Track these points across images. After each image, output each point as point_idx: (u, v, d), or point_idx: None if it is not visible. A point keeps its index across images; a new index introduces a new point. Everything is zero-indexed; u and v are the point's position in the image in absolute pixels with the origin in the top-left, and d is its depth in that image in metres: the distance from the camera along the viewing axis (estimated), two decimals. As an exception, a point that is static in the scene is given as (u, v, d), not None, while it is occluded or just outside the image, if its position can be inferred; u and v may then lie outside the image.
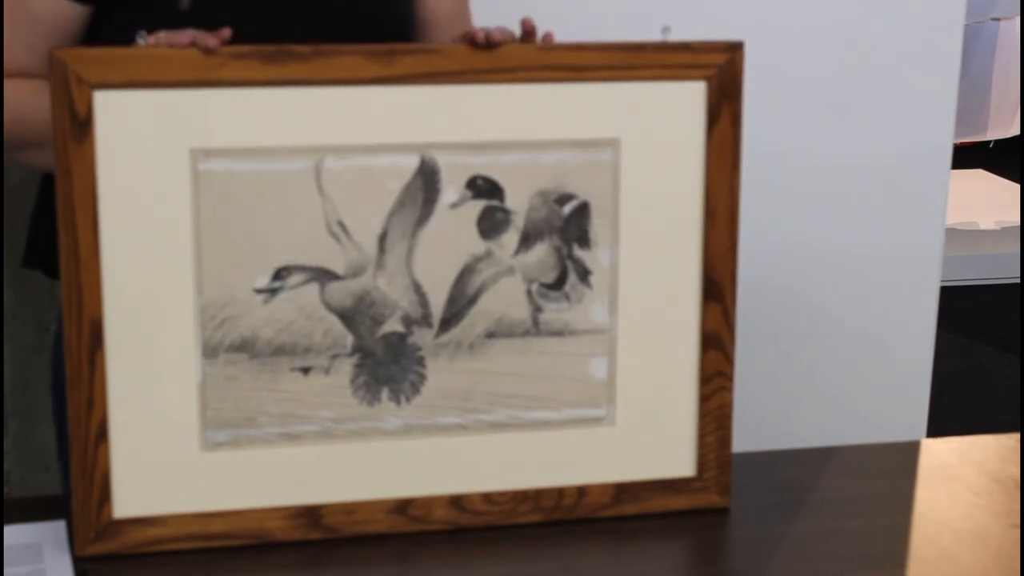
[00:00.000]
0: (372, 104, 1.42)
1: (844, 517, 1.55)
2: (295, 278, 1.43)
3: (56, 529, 1.45)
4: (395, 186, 1.44)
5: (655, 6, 2.25)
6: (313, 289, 1.44)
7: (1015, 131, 3.29)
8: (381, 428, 1.47)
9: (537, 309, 1.49)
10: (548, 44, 1.47)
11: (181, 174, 1.39)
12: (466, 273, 1.47)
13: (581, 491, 1.51)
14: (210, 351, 1.42)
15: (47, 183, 1.70)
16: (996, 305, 3.03)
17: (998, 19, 3.21)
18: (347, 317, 1.45)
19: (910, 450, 1.79)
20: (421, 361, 1.47)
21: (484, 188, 1.46)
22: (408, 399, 1.47)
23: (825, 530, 1.52)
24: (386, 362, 1.46)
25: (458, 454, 1.49)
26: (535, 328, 1.49)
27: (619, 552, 1.47)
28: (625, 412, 1.52)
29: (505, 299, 1.48)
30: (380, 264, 1.45)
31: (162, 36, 1.40)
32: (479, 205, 1.46)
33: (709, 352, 1.52)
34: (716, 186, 1.50)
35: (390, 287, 1.45)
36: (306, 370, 1.45)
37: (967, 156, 3.51)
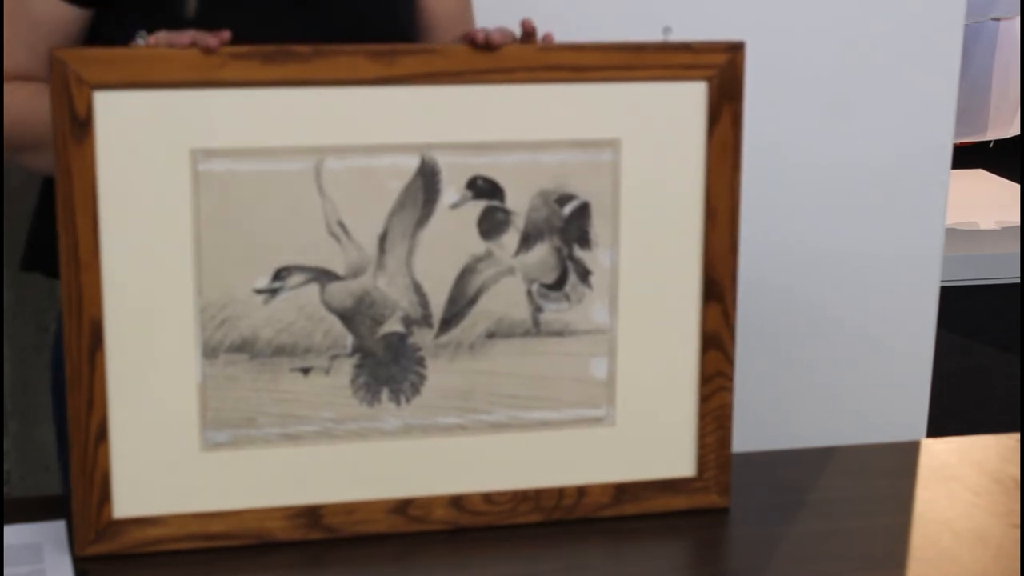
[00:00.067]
0: (372, 104, 1.42)
1: (844, 517, 1.55)
2: (295, 278, 1.43)
3: (56, 529, 1.45)
4: (395, 186, 1.44)
5: (655, 6, 2.25)
6: (313, 289, 1.44)
7: (1015, 131, 3.29)
8: (381, 428, 1.47)
9: (537, 309, 1.49)
10: (548, 44, 1.47)
11: (181, 174, 1.39)
12: (466, 273, 1.47)
13: (581, 491, 1.51)
14: (210, 351, 1.42)
15: (48, 186, 1.70)
16: (996, 305, 3.03)
17: (998, 19, 3.21)
18: (347, 317, 1.45)
19: (910, 450, 1.79)
20: (421, 361, 1.47)
21: (484, 188, 1.46)
22: (408, 399, 1.47)
23: (825, 530, 1.52)
24: (386, 362, 1.46)
25: (458, 454, 1.49)
26: (535, 328, 1.49)
27: (619, 552, 1.47)
28: (625, 412, 1.52)
29: (505, 299, 1.48)
30: (380, 264, 1.45)
31: (162, 36, 1.40)
32: (479, 205, 1.46)
33: (709, 352, 1.52)
34: (717, 186, 1.50)
35: (390, 287, 1.45)
36: (306, 370, 1.45)
37: (967, 156, 3.51)
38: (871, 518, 1.55)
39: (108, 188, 1.38)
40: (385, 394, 1.47)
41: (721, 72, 1.48)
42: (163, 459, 1.43)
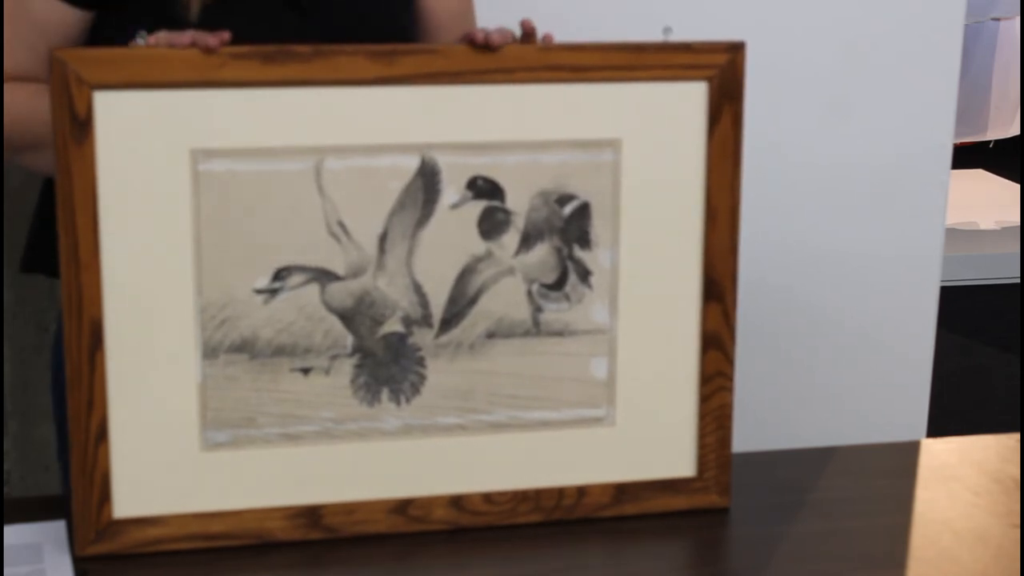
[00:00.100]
0: (373, 104, 1.42)
1: (844, 517, 1.55)
2: (295, 278, 1.43)
3: (56, 529, 1.45)
4: (395, 186, 1.44)
5: (656, 6, 2.25)
6: (313, 289, 1.44)
7: (1015, 131, 3.29)
8: (381, 428, 1.47)
9: (537, 309, 1.49)
10: (548, 45, 1.47)
11: (181, 174, 1.39)
12: (466, 273, 1.47)
13: (581, 491, 1.51)
14: (210, 351, 1.42)
15: (48, 187, 1.70)
16: (996, 305, 3.03)
17: (998, 19, 3.20)
18: (347, 317, 1.45)
19: (910, 450, 1.79)
20: (421, 361, 1.47)
21: (485, 188, 1.46)
22: (408, 399, 1.47)
23: (825, 530, 1.52)
24: (386, 362, 1.46)
25: (458, 454, 1.49)
26: (535, 328, 1.49)
27: (619, 552, 1.47)
28: (625, 412, 1.52)
29: (505, 299, 1.48)
30: (380, 264, 1.45)
31: (162, 36, 1.40)
32: (479, 205, 1.46)
33: (709, 352, 1.52)
34: (717, 186, 1.50)
35: (390, 287, 1.45)
36: (306, 370, 1.45)
37: (967, 156, 3.51)
38: (871, 518, 1.55)
39: (108, 188, 1.38)
40: (385, 394, 1.47)
41: (721, 72, 1.48)
42: (163, 459, 1.43)
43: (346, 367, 1.45)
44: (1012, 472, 1.67)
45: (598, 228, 1.49)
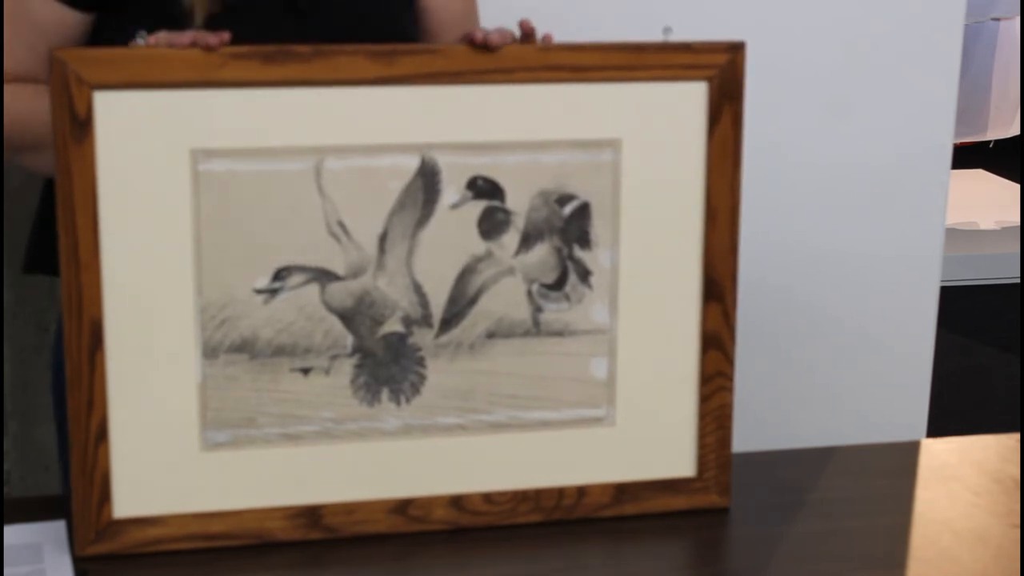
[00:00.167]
0: (373, 104, 1.42)
1: (844, 517, 1.55)
2: (295, 278, 1.43)
3: (56, 529, 1.45)
4: (395, 186, 1.44)
5: (655, 6, 2.25)
6: (313, 289, 1.44)
7: (1015, 131, 3.29)
8: (381, 428, 1.47)
9: (537, 309, 1.49)
10: (548, 45, 1.47)
11: (181, 174, 1.39)
12: (466, 273, 1.47)
13: (581, 491, 1.51)
14: (210, 351, 1.42)
15: (49, 188, 1.70)
16: (996, 305, 3.03)
17: (998, 19, 3.20)
18: (347, 317, 1.45)
19: (910, 450, 1.79)
20: (421, 361, 1.47)
21: (484, 188, 1.46)
22: (408, 399, 1.47)
23: (825, 530, 1.52)
24: (386, 362, 1.46)
25: (458, 454, 1.49)
26: (535, 328, 1.49)
27: (619, 552, 1.47)
28: (625, 412, 1.52)
29: (505, 299, 1.48)
30: (380, 264, 1.45)
31: (162, 36, 1.40)
32: (479, 205, 1.46)
33: (709, 352, 1.52)
34: (717, 186, 1.50)
35: (390, 287, 1.45)
36: (306, 370, 1.45)
37: (967, 156, 3.51)
38: (871, 518, 1.55)
39: (108, 188, 1.38)
40: (385, 394, 1.47)
41: (721, 72, 1.48)
42: (163, 459, 1.43)
43: (346, 367, 1.45)
44: (1012, 472, 1.67)
45: (598, 228, 1.49)
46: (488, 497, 1.49)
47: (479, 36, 1.42)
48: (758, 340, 2.27)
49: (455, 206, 1.45)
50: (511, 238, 1.47)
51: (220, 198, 1.40)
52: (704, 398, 1.53)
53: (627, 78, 1.47)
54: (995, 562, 1.46)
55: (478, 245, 1.47)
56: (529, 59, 1.45)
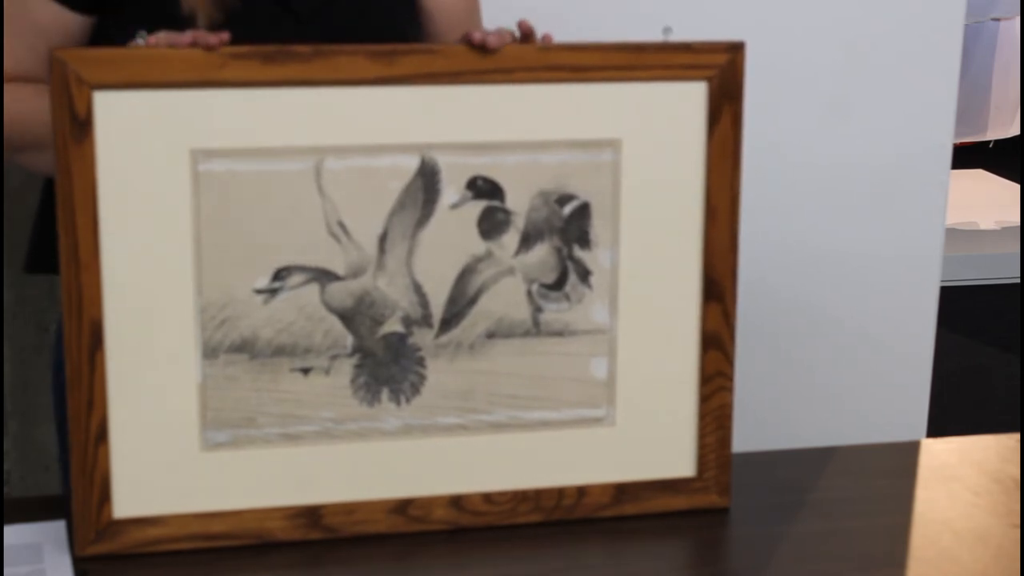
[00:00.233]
0: (372, 104, 1.42)
1: (844, 517, 1.55)
2: (295, 278, 1.43)
3: (56, 529, 1.45)
4: (395, 186, 1.44)
5: (655, 6, 2.25)
6: (313, 289, 1.44)
7: (1015, 131, 3.29)
8: (381, 428, 1.47)
9: (537, 309, 1.49)
10: (548, 45, 1.47)
11: (181, 174, 1.39)
12: (466, 273, 1.47)
13: (581, 491, 1.51)
14: (210, 351, 1.42)
15: (50, 187, 1.70)
16: (996, 305, 3.03)
17: (998, 19, 3.20)
18: (347, 317, 1.45)
19: (910, 450, 1.79)
20: (421, 361, 1.47)
21: (484, 188, 1.46)
22: (408, 399, 1.47)
23: (825, 530, 1.52)
24: (386, 362, 1.46)
25: (458, 454, 1.49)
26: (535, 328, 1.49)
27: (619, 552, 1.47)
28: (625, 412, 1.52)
29: (505, 299, 1.48)
30: (380, 264, 1.45)
31: (162, 36, 1.40)
32: (479, 205, 1.46)
33: (709, 352, 1.52)
34: (717, 186, 1.50)
35: (390, 287, 1.45)
36: (306, 370, 1.45)
37: (967, 156, 3.51)
38: (871, 518, 1.55)
39: (108, 188, 1.38)
40: (385, 394, 1.47)
41: (721, 72, 1.48)
42: (163, 459, 1.43)
43: (346, 367, 1.45)
44: (1012, 472, 1.67)
45: (598, 228, 1.49)
46: (488, 497, 1.49)
47: (477, 37, 1.42)
48: (758, 340, 2.27)
49: (455, 206, 1.45)
50: (511, 238, 1.47)
51: (220, 198, 1.40)
52: (704, 398, 1.53)
53: (627, 78, 1.47)
54: (995, 562, 1.46)
55: (478, 245, 1.47)
56: (529, 59, 1.45)
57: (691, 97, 1.48)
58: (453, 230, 1.46)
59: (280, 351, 1.44)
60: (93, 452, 1.41)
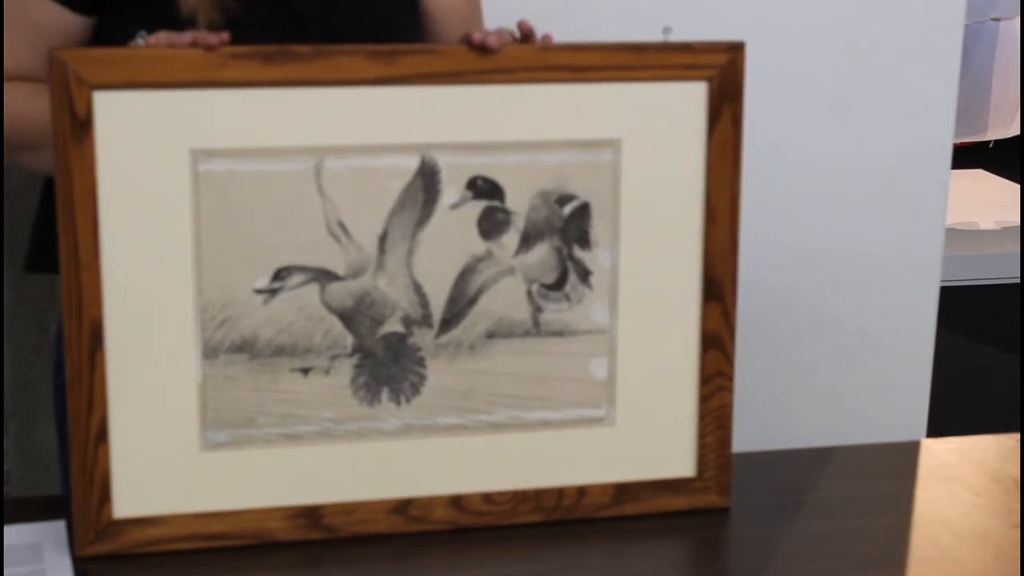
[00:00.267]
0: (372, 104, 1.42)
1: (844, 517, 1.55)
2: (295, 278, 1.43)
3: (56, 529, 1.45)
4: (395, 186, 1.44)
5: (655, 6, 2.25)
6: (313, 289, 1.44)
7: (1015, 131, 3.29)
8: (381, 428, 1.47)
9: (537, 309, 1.49)
10: (548, 45, 1.47)
11: (181, 174, 1.39)
12: (466, 273, 1.47)
13: (581, 491, 1.51)
14: (210, 351, 1.42)
15: (50, 186, 1.70)
16: (996, 305, 3.03)
17: (998, 19, 3.20)
18: (347, 317, 1.45)
19: (910, 450, 1.79)
20: (421, 361, 1.47)
21: (484, 188, 1.46)
22: (408, 399, 1.47)
23: (825, 530, 1.52)
24: (386, 362, 1.46)
25: (458, 454, 1.49)
26: (535, 328, 1.49)
27: (619, 552, 1.47)
28: (625, 412, 1.52)
29: (505, 299, 1.48)
30: (380, 264, 1.45)
31: (162, 36, 1.40)
32: (479, 205, 1.46)
33: (709, 352, 1.52)
34: (717, 186, 1.50)
35: (390, 287, 1.45)
36: (306, 370, 1.45)
37: (967, 156, 3.51)
38: (871, 518, 1.55)
39: (108, 188, 1.38)
40: (385, 394, 1.47)
41: (721, 72, 1.48)
42: (163, 459, 1.43)
43: (346, 367, 1.45)
44: (1012, 472, 1.67)
45: (598, 228, 1.49)
46: (488, 497, 1.49)
47: (477, 37, 1.42)
48: (758, 340, 2.27)
49: (455, 206, 1.45)
50: (511, 238, 1.47)
51: (220, 198, 1.40)
52: (704, 398, 1.53)
53: (627, 78, 1.47)
54: (995, 562, 1.46)
55: (478, 245, 1.47)
56: (529, 59, 1.45)
57: (691, 97, 1.48)
58: (453, 230, 1.46)
59: (280, 351, 1.44)
60: (93, 452, 1.41)
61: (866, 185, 2.43)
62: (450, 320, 1.47)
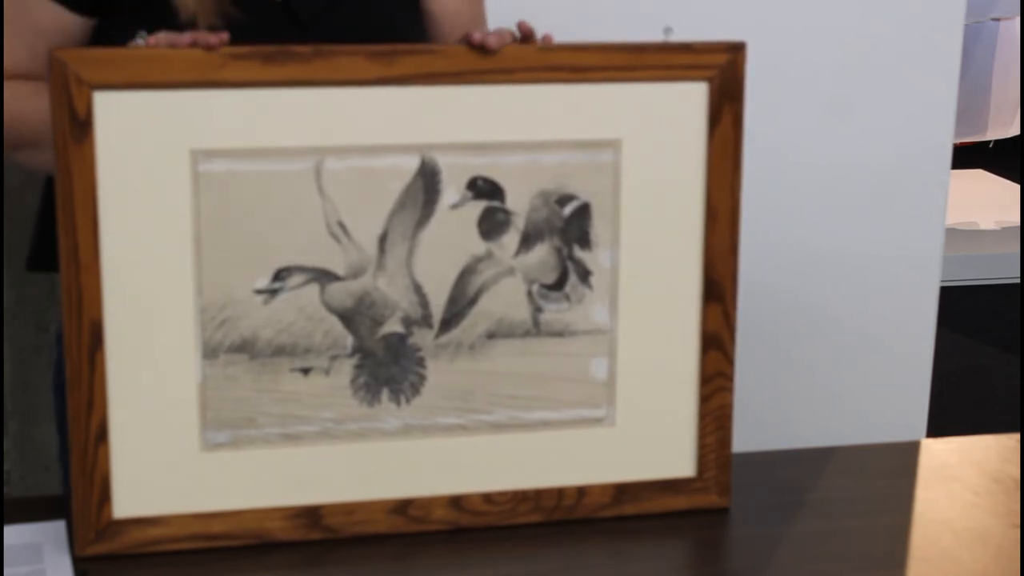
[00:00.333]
0: (372, 105, 1.42)
1: (844, 517, 1.55)
2: (295, 279, 1.43)
3: (56, 529, 1.45)
4: (396, 187, 1.44)
5: (655, 6, 2.25)
6: (313, 290, 1.44)
7: (1015, 131, 3.29)
8: (381, 428, 1.47)
9: (537, 310, 1.49)
10: (548, 45, 1.47)
11: (181, 174, 1.39)
12: (466, 274, 1.47)
13: (581, 491, 1.51)
14: (210, 352, 1.42)
15: (51, 185, 1.70)
16: (996, 305, 3.03)
17: (998, 19, 3.21)
18: (347, 318, 1.45)
19: (910, 450, 1.79)
20: (421, 362, 1.47)
21: (485, 189, 1.46)
22: (408, 400, 1.47)
23: (825, 530, 1.52)
24: (386, 363, 1.46)
25: (458, 454, 1.49)
26: (535, 329, 1.49)
27: (619, 552, 1.47)
28: (625, 412, 1.52)
29: (505, 300, 1.48)
30: (380, 265, 1.45)
31: (162, 36, 1.40)
32: (480, 206, 1.46)
33: (709, 352, 1.52)
34: (717, 187, 1.50)
35: (390, 288, 1.45)
36: (306, 371, 1.45)
37: (967, 156, 3.51)
38: (871, 518, 1.55)
39: (108, 188, 1.38)
40: (385, 394, 1.47)
41: (722, 72, 1.48)
42: (163, 459, 1.43)
43: (346, 367, 1.45)
44: (1012, 472, 1.67)
45: (598, 228, 1.49)
46: (488, 497, 1.49)
47: (477, 37, 1.42)
48: (758, 340, 2.27)
49: (455, 206, 1.45)
50: (511, 238, 1.47)
51: (220, 198, 1.40)
52: (704, 398, 1.53)
53: (627, 78, 1.47)
54: (995, 562, 1.46)
55: (478, 245, 1.47)
56: (529, 59, 1.44)
57: (691, 97, 1.48)
58: (453, 230, 1.46)
59: (280, 351, 1.44)
60: (93, 452, 1.41)
61: (866, 185, 2.43)
62: (450, 320, 1.47)
